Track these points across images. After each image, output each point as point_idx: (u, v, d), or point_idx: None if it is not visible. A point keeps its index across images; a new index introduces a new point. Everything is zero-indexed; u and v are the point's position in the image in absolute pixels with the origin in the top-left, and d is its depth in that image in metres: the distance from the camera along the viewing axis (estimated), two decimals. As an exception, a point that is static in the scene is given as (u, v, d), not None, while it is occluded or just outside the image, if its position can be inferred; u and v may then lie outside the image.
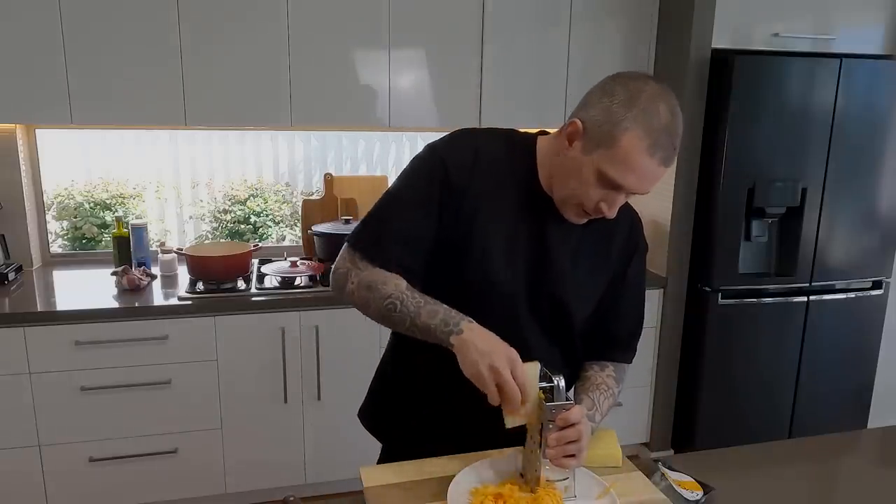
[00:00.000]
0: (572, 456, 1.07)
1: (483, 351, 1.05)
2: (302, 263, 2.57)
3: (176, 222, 3.14)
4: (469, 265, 1.19)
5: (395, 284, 1.15)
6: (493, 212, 1.18)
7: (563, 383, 1.07)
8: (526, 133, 1.26)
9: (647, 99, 1.04)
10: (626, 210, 1.30)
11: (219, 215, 3.13)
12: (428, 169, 1.19)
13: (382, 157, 3.25)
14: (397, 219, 1.19)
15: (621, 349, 1.34)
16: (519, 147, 1.23)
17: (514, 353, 1.06)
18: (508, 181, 1.20)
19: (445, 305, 1.12)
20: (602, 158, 1.07)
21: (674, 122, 1.05)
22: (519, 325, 1.23)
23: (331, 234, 2.66)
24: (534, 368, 1.07)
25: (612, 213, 1.12)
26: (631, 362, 1.36)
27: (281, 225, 3.21)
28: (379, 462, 1.36)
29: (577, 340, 1.32)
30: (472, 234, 1.18)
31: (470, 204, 1.17)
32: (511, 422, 1.07)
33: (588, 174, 1.09)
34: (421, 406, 1.30)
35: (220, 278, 2.49)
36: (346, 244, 1.23)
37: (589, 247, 1.24)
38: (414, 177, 1.21)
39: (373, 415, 1.42)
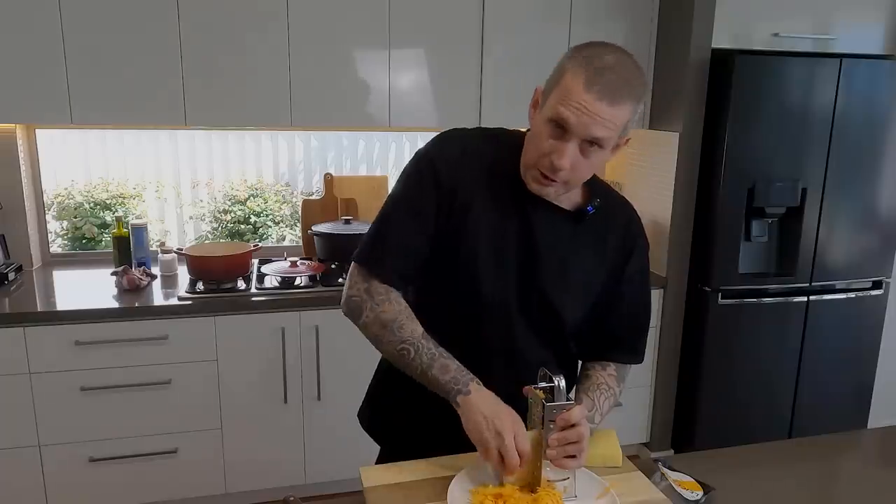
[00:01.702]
0: (573, 457, 1.08)
1: (488, 415, 1.07)
2: (302, 263, 2.57)
3: (176, 222, 3.14)
4: (459, 264, 1.19)
5: (412, 329, 1.17)
6: (481, 210, 1.19)
7: (563, 383, 1.07)
8: (515, 131, 1.26)
9: (594, 47, 1.08)
10: (623, 207, 1.30)
11: (219, 215, 3.13)
12: (418, 175, 1.21)
13: (382, 157, 3.25)
14: (395, 231, 1.21)
15: (624, 350, 1.33)
16: (506, 145, 1.23)
17: (517, 417, 1.09)
18: (496, 180, 1.20)
19: (458, 363, 1.15)
20: (548, 104, 1.09)
21: (618, 66, 1.05)
22: (510, 324, 1.23)
23: (331, 234, 2.66)
24: (533, 434, 1.09)
25: (563, 164, 1.08)
26: (638, 363, 1.34)
27: (281, 225, 3.21)
28: (377, 464, 1.36)
29: (570, 341, 1.31)
30: (461, 234, 1.18)
31: (460, 202, 1.18)
32: (508, 480, 1.10)
33: (541, 126, 1.11)
34: (419, 409, 1.29)
35: (220, 278, 2.49)
36: (352, 262, 1.25)
37: (582, 245, 1.23)
38: (406, 186, 1.22)
39: (371, 417, 1.42)
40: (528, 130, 1.24)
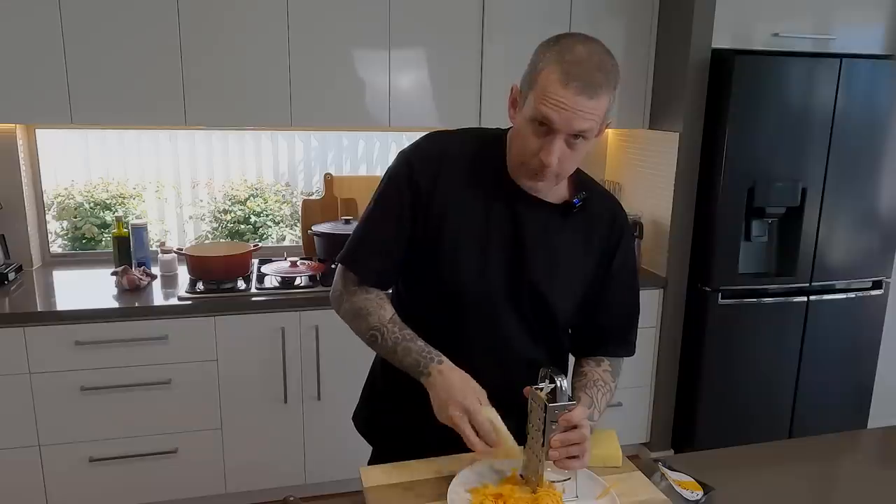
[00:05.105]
0: (575, 457, 1.07)
1: (450, 394, 1.10)
2: (302, 263, 2.57)
3: (176, 222, 3.14)
4: (442, 265, 1.20)
5: (379, 316, 1.21)
6: (462, 210, 1.20)
7: (565, 384, 1.07)
8: (497, 129, 1.28)
9: (565, 42, 1.09)
10: (609, 200, 1.31)
11: (219, 215, 3.13)
12: (397, 176, 1.23)
13: (382, 157, 3.25)
14: (372, 230, 1.25)
15: (616, 343, 1.34)
16: (490, 143, 1.24)
17: (480, 389, 1.11)
18: (478, 179, 1.21)
19: (420, 343, 1.17)
20: (528, 104, 1.10)
21: (590, 58, 1.07)
22: (500, 322, 1.23)
23: (331, 234, 2.66)
24: (492, 411, 1.09)
25: (551, 160, 1.10)
26: (631, 355, 1.35)
27: (281, 225, 3.21)
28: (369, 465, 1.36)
29: (563, 337, 1.32)
30: (442, 235, 1.20)
31: (438, 204, 1.20)
32: (496, 454, 1.09)
33: (524, 127, 1.12)
34: (413, 411, 1.28)
35: (220, 278, 2.49)
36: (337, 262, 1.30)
37: (570, 238, 1.24)
38: (386, 187, 1.25)
39: (366, 419, 1.42)
40: (509, 128, 1.24)
